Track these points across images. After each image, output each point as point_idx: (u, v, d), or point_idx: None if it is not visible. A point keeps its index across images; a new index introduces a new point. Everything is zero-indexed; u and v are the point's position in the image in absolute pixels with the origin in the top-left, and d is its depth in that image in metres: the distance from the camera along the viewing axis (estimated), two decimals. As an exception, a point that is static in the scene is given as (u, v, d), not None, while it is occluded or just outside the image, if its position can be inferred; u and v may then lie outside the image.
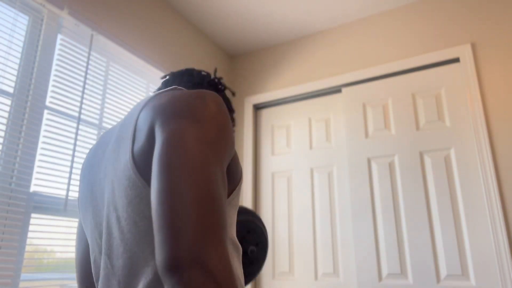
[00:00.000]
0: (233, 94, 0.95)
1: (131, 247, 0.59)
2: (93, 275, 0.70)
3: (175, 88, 0.71)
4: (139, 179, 0.59)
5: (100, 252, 0.67)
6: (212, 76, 0.88)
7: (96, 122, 1.79)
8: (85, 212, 0.73)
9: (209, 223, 0.46)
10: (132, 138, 0.62)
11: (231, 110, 0.86)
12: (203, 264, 0.43)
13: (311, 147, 2.48)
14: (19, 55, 1.53)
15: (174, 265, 0.44)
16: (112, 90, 1.92)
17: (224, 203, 0.51)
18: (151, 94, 0.79)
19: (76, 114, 1.69)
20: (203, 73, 0.87)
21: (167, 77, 0.88)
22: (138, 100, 2.08)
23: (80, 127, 1.70)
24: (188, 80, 0.85)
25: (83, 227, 0.79)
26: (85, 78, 1.76)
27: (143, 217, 0.58)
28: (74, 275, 1.59)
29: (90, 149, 0.81)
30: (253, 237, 1.13)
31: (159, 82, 2.26)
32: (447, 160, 2.03)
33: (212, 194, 0.49)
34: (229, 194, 0.68)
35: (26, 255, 1.43)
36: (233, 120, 0.88)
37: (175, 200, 0.47)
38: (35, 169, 1.50)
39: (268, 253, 2.33)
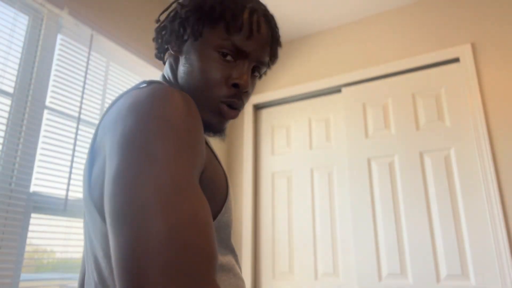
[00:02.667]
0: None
1: (104, 278, 0.52)
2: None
3: (147, 84, 0.57)
4: (97, 217, 0.51)
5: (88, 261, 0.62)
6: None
7: (96, 122, 1.79)
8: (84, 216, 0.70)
9: (181, 275, 0.36)
10: (89, 161, 0.53)
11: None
12: None
13: (311, 147, 2.48)
14: (19, 55, 1.53)
15: None
16: (112, 90, 1.92)
17: (210, 231, 0.40)
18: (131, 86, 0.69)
19: (76, 114, 1.69)
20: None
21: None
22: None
23: (80, 127, 1.70)
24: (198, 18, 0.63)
25: None
26: (85, 78, 1.76)
27: (106, 254, 0.51)
28: (74, 275, 1.59)
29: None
30: None
31: (159, 82, 2.25)
32: (447, 160, 2.03)
33: (185, 236, 0.38)
34: (215, 215, 0.56)
35: (26, 255, 1.43)
36: (272, 55, 0.67)
37: (135, 262, 0.36)
38: (35, 169, 1.50)
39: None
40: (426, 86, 2.19)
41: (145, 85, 0.56)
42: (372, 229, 2.10)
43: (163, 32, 0.66)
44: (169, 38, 0.64)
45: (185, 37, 0.62)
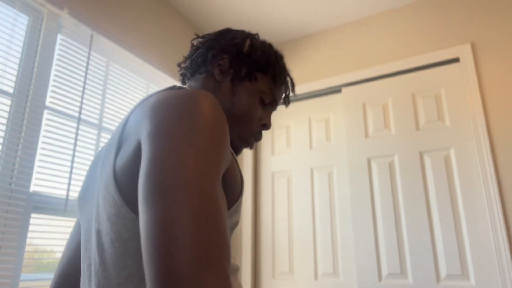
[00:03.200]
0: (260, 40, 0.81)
1: (107, 266, 0.53)
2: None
3: (173, 88, 0.65)
4: (119, 198, 0.53)
5: (84, 259, 0.62)
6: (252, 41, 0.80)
7: (96, 122, 1.79)
8: (80, 214, 0.69)
9: (211, 256, 0.39)
10: (116, 147, 0.55)
11: (285, 86, 0.79)
12: None
13: (311, 147, 2.48)
14: (19, 55, 1.53)
15: None
16: (112, 90, 1.92)
17: (227, 227, 0.44)
18: (153, 87, 0.74)
19: (76, 114, 1.69)
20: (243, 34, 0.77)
21: (201, 39, 0.78)
22: (138, 100, 2.08)
23: (80, 127, 1.70)
24: (228, 39, 0.76)
25: (80, 226, 0.75)
26: (85, 78, 1.76)
27: (119, 238, 0.53)
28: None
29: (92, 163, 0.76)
30: None
31: (159, 82, 2.26)
32: (447, 160, 2.03)
33: (214, 220, 0.41)
34: (228, 209, 0.59)
35: (26, 255, 1.43)
36: (287, 97, 0.80)
37: (169, 233, 0.39)
38: (35, 169, 1.50)
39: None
40: (426, 86, 2.19)
41: (174, 89, 0.64)
42: (372, 229, 2.10)
43: (213, 57, 0.74)
44: (221, 67, 0.74)
45: (241, 75, 0.73)
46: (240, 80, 0.73)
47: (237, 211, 0.62)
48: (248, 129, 0.74)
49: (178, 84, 2.34)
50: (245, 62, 0.73)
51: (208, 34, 0.79)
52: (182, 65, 0.80)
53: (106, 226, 0.54)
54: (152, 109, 0.52)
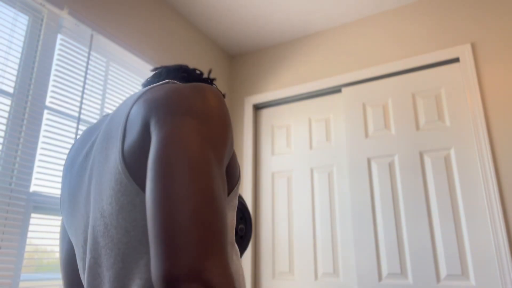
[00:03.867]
0: (223, 96, 0.91)
1: (122, 258, 0.54)
2: (82, 279, 0.65)
3: (168, 82, 0.64)
4: (131, 184, 0.53)
5: (85, 259, 0.61)
6: (206, 76, 0.87)
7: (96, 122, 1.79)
8: (68, 216, 0.67)
9: (211, 234, 0.42)
10: (122, 136, 0.56)
11: None
12: (205, 280, 0.40)
13: (311, 147, 2.48)
14: (19, 55, 1.53)
15: (172, 282, 0.40)
16: (112, 90, 1.92)
17: (225, 209, 0.47)
18: (141, 88, 0.73)
19: (76, 114, 1.69)
20: (197, 71, 0.83)
21: (159, 70, 0.83)
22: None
23: (80, 127, 1.70)
24: (182, 77, 0.81)
25: (66, 228, 0.73)
26: (85, 78, 1.76)
27: (136, 226, 0.53)
28: (74, 275, 1.59)
29: (72, 147, 0.74)
30: (240, 215, 1.12)
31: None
32: (447, 160, 2.03)
33: (214, 201, 0.45)
34: (228, 195, 0.63)
35: (26, 255, 1.43)
36: None
37: (174, 209, 0.43)
38: (35, 169, 1.50)
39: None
40: (426, 86, 2.19)
41: (169, 83, 0.66)
42: (372, 229, 2.10)
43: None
44: None
45: None
46: None
47: (236, 195, 0.66)
48: None
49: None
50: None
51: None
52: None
53: (117, 218, 0.54)
54: (161, 99, 0.54)
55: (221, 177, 0.49)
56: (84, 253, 0.61)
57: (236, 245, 0.66)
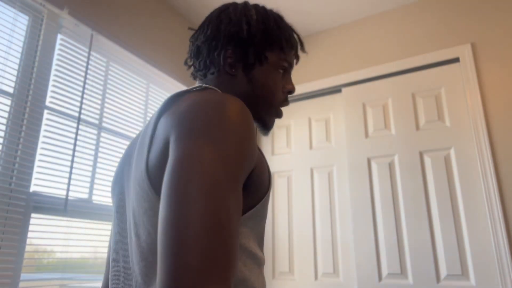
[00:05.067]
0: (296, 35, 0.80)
1: (147, 256, 0.58)
2: (109, 271, 0.69)
3: (202, 89, 0.64)
4: (152, 192, 0.57)
5: (121, 254, 0.67)
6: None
7: (96, 122, 1.79)
8: (115, 214, 0.72)
9: (215, 260, 0.43)
10: (148, 147, 0.60)
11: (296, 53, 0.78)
12: None
13: (311, 147, 2.48)
14: (19, 55, 1.53)
15: None
16: (112, 90, 1.92)
17: (236, 233, 0.47)
18: (176, 91, 0.72)
19: (76, 114, 1.69)
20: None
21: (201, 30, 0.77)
22: (138, 100, 2.08)
23: (80, 127, 1.70)
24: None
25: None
26: (85, 78, 1.76)
27: (157, 230, 0.57)
28: (74, 275, 1.59)
29: (122, 157, 0.78)
30: None
31: (159, 82, 2.26)
32: (447, 160, 2.03)
33: (223, 225, 0.45)
34: (255, 205, 0.64)
35: (26, 255, 1.43)
36: (297, 57, 0.80)
37: (181, 231, 0.44)
38: (35, 169, 1.50)
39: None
40: (426, 86, 2.19)
41: (201, 88, 0.65)
42: (372, 229, 2.10)
43: (218, 55, 0.73)
44: (230, 61, 0.73)
45: (251, 62, 0.73)
46: (252, 66, 0.73)
47: (266, 204, 0.66)
48: (275, 103, 0.76)
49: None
50: (250, 48, 0.72)
51: (203, 26, 0.77)
52: (192, 66, 0.79)
53: (143, 219, 0.58)
54: (181, 114, 0.55)
55: (235, 198, 0.49)
56: (122, 250, 0.67)
57: (260, 257, 0.66)
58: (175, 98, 0.63)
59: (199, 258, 0.42)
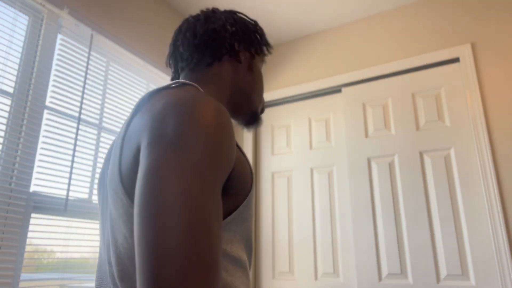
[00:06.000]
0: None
1: (123, 260, 0.56)
2: (96, 271, 0.69)
3: (179, 85, 0.63)
4: (125, 197, 0.55)
5: (104, 257, 0.67)
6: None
7: (96, 122, 1.79)
8: (100, 215, 0.72)
9: (195, 274, 0.41)
10: (120, 149, 0.58)
11: (264, 45, 0.81)
12: None
13: (311, 147, 2.48)
14: (19, 55, 1.53)
15: None
16: (112, 90, 1.92)
17: (218, 242, 0.45)
18: (153, 87, 0.72)
19: (76, 114, 1.70)
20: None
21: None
22: (139, 98, 2.07)
23: (80, 127, 1.70)
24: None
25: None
26: (85, 78, 1.76)
27: (132, 235, 0.55)
28: (74, 275, 1.59)
29: (105, 156, 0.78)
30: None
31: (159, 82, 2.26)
32: (447, 160, 2.03)
33: (200, 236, 0.42)
34: (238, 206, 0.62)
35: (26, 255, 1.43)
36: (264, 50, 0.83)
37: (155, 247, 0.41)
38: (35, 169, 1.50)
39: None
40: (426, 86, 2.19)
41: (178, 85, 0.63)
42: (372, 229, 2.10)
43: (222, 40, 0.75)
44: (233, 49, 0.76)
45: (253, 52, 0.78)
46: (252, 58, 0.80)
47: (249, 205, 0.64)
48: (263, 100, 0.83)
49: None
50: (257, 41, 0.79)
51: (190, 26, 0.77)
52: (180, 56, 0.77)
53: (119, 223, 0.57)
54: (153, 118, 0.52)
55: (213, 206, 0.46)
56: (104, 253, 0.66)
57: (244, 261, 0.65)
58: (151, 96, 0.61)
59: (179, 274, 0.40)
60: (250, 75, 0.79)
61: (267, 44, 0.82)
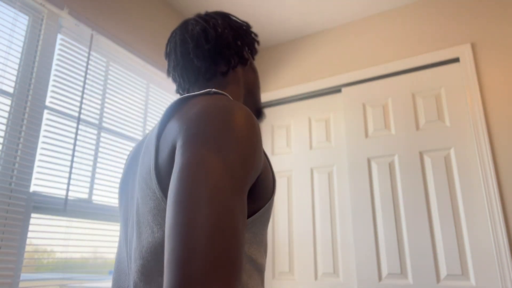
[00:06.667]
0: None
1: (145, 255, 0.58)
2: (114, 269, 0.72)
3: (210, 93, 0.64)
4: (158, 191, 0.58)
5: (123, 255, 0.69)
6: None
7: (96, 122, 1.79)
8: (121, 217, 0.74)
9: (221, 268, 0.43)
10: (155, 147, 0.60)
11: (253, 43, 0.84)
12: None
13: (311, 147, 2.48)
14: (19, 55, 1.53)
15: None
16: (112, 90, 1.92)
17: (242, 240, 0.47)
18: (183, 95, 0.73)
19: (76, 114, 1.70)
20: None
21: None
22: (138, 100, 2.08)
23: (80, 127, 1.70)
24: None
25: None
26: (85, 78, 1.76)
27: (160, 229, 0.57)
28: (74, 275, 1.59)
29: (127, 158, 0.80)
30: None
31: (159, 82, 2.26)
32: (447, 160, 2.03)
33: (228, 233, 0.45)
34: (259, 209, 0.65)
35: (26, 255, 1.43)
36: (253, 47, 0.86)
37: (187, 239, 0.44)
38: (35, 169, 1.50)
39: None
40: (426, 86, 2.19)
41: (209, 93, 0.66)
42: (372, 229, 2.10)
43: (227, 51, 0.78)
44: (243, 56, 0.81)
45: (252, 52, 0.84)
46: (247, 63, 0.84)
47: (270, 208, 0.67)
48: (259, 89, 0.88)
49: None
50: (253, 45, 0.84)
51: (197, 37, 0.77)
52: (197, 69, 0.78)
53: (147, 218, 0.59)
54: (190, 119, 0.56)
55: (240, 207, 0.49)
56: (124, 241, 0.68)
57: (261, 263, 0.67)
58: (184, 101, 0.64)
59: (206, 266, 0.42)
60: (253, 74, 0.84)
61: (258, 42, 0.87)
